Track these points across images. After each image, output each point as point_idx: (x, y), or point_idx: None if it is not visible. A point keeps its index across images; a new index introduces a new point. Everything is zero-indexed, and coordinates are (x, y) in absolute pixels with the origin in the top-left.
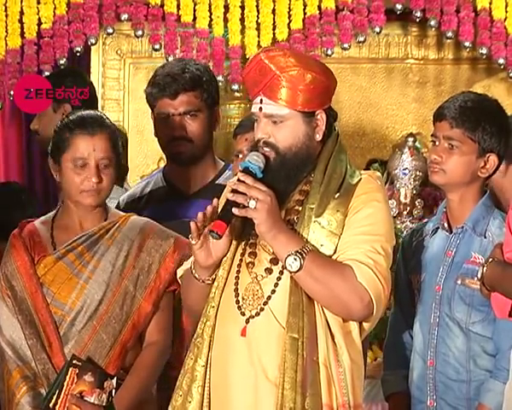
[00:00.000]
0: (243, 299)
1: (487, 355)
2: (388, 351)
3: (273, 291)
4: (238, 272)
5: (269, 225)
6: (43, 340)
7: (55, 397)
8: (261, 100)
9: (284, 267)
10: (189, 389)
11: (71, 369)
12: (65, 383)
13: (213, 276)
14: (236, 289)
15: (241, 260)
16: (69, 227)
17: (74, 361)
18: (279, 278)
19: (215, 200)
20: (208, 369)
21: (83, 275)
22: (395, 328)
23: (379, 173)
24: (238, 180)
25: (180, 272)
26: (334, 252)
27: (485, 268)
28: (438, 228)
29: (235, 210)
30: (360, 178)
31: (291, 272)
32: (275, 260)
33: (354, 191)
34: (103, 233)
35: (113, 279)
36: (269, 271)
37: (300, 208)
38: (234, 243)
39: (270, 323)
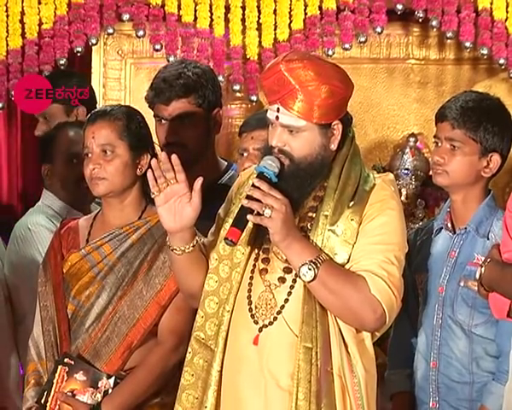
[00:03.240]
0: (256, 307)
1: (490, 357)
2: (393, 350)
3: (286, 300)
4: (251, 278)
5: (283, 234)
6: (57, 337)
7: (45, 394)
8: (278, 109)
9: (298, 276)
10: (204, 392)
11: (60, 367)
12: (54, 381)
13: (184, 248)
14: (249, 297)
15: (254, 265)
16: (104, 224)
17: (66, 360)
18: (292, 287)
19: (163, 154)
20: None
21: (100, 272)
22: (400, 327)
23: (392, 176)
24: (253, 186)
25: None
26: (348, 261)
27: (483, 269)
28: (441, 228)
29: (249, 217)
30: (374, 184)
31: (305, 282)
32: (288, 269)
33: (368, 199)
34: (131, 232)
35: (127, 279)
36: (282, 280)
37: (314, 215)
38: (248, 247)
39: (282, 331)
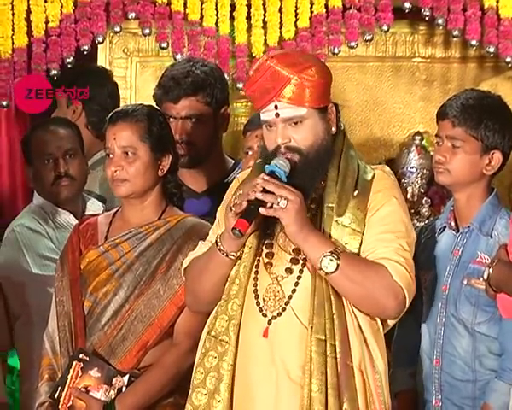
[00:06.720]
0: (264, 300)
1: (493, 355)
2: (397, 349)
3: (294, 290)
4: (256, 272)
5: (298, 225)
6: (72, 333)
7: (59, 389)
8: (276, 106)
9: (319, 269)
10: (215, 388)
11: (75, 363)
12: (68, 377)
13: (238, 253)
14: (256, 291)
15: (258, 260)
16: (123, 222)
17: (81, 356)
18: (299, 277)
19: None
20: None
21: (118, 270)
22: (404, 326)
23: (388, 168)
24: (264, 181)
25: (187, 261)
26: (359, 250)
27: (491, 269)
28: (445, 227)
29: (262, 210)
30: (374, 174)
31: (327, 274)
32: (295, 260)
33: (371, 188)
34: (150, 231)
35: (145, 278)
36: (289, 271)
37: (313, 206)
38: (253, 241)
39: (291, 322)
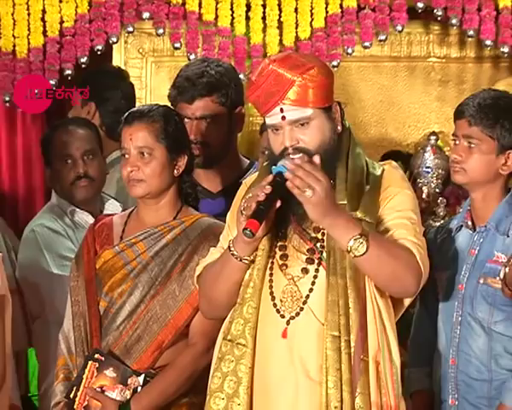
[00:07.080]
0: (281, 301)
1: (509, 355)
2: (413, 348)
3: (311, 290)
4: (271, 274)
5: (321, 213)
6: (88, 333)
7: (74, 389)
8: (281, 109)
9: (347, 251)
10: (234, 391)
11: (90, 363)
12: (84, 376)
13: (251, 257)
14: (272, 293)
15: (272, 262)
16: (138, 222)
17: (96, 356)
18: (315, 277)
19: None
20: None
21: (134, 270)
22: (420, 325)
23: (395, 163)
24: (296, 165)
25: (199, 269)
26: None
27: (507, 268)
28: (462, 226)
29: (288, 183)
30: (383, 169)
31: (356, 256)
32: (310, 260)
33: (381, 183)
34: (166, 231)
35: (160, 278)
36: (305, 271)
37: None
38: (266, 244)
39: (310, 322)
